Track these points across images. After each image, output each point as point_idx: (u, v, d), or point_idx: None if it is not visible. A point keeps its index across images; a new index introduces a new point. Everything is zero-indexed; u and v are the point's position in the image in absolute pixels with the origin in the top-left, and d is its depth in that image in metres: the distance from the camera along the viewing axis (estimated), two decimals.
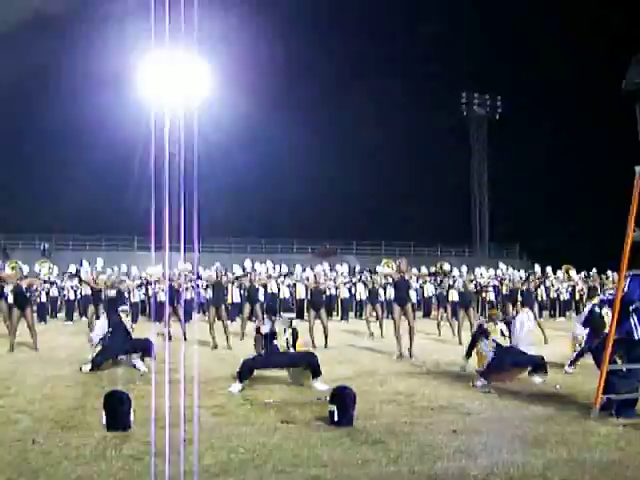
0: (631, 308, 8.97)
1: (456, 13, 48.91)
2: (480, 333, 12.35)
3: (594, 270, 32.42)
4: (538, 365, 12.06)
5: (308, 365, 11.43)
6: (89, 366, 13.14)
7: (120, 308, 14.87)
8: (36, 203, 45.29)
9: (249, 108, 44.69)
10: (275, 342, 11.53)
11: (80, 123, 43.88)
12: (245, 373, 11.09)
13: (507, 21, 48.56)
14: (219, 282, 19.00)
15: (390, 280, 20.77)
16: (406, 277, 16.65)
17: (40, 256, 23.29)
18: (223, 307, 18.53)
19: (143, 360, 13.30)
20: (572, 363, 13.21)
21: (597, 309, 13.47)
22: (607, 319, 13.18)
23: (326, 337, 17.85)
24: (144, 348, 13.34)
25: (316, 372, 11.35)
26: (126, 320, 14.25)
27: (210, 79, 36.24)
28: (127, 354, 13.84)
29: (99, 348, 13.68)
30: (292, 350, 11.75)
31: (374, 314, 22.86)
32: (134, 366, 13.24)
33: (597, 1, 43.11)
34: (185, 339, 18.47)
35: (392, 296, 18.87)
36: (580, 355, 13.20)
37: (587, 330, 13.37)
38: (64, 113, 43.87)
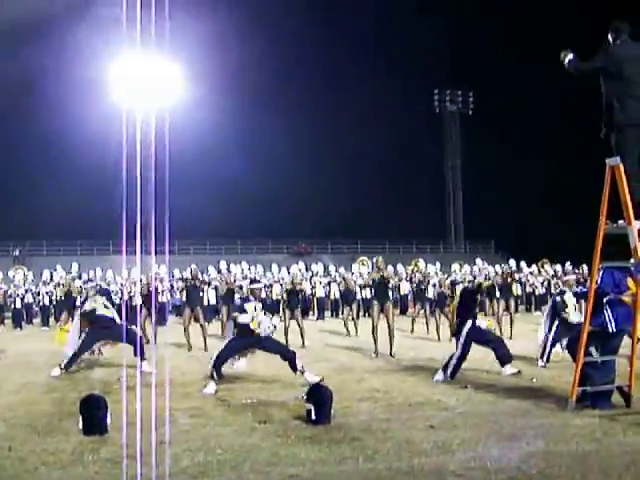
0: (604, 300, 9.04)
1: (428, 9, 48.93)
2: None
3: (568, 264, 32.59)
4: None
5: (284, 357, 11.47)
6: (57, 370, 13.05)
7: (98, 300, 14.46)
8: (9, 209, 44.93)
9: (225, 110, 44.69)
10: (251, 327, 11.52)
11: (53, 128, 43.67)
12: (220, 363, 11.13)
13: (478, 16, 48.80)
14: (194, 284, 18.93)
15: (367, 279, 20.83)
16: (384, 275, 16.64)
17: (12, 262, 23.11)
18: (199, 308, 18.44)
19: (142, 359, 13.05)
20: (542, 356, 13.24)
21: (557, 298, 13.74)
22: (570, 303, 13.44)
23: (302, 336, 17.85)
24: (132, 342, 13.17)
25: (294, 367, 11.35)
26: (103, 310, 13.93)
27: (184, 81, 36.26)
28: (107, 341, 13.77)
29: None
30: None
31: (350, 313, 22.85)
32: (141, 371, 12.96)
33: None
34: (155, 342, 18.46)
35: (369, 295, 18.88)
36: (551, 346, 13.24)
37: (547, 321, 13.59)
38: (37, 120, 43.68)
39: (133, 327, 13.93)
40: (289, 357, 11.45)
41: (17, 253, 18.07)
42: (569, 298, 13.58)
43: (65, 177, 44.72)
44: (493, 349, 12.44)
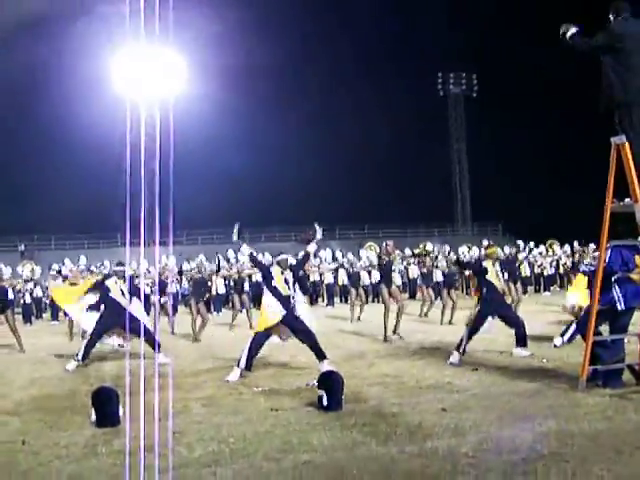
0: (613, 279, 9.02)
1: None
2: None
3: (576, 244, 32.57)
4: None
5: (308, 344, 11.40)
6: (73, 364, 13.05)
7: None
8: (15, 204, 45.01)
9: (230, 99, 44.67)
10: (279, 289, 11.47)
11: (58, 123, 43.65)
12: (255, 350, 11.10)
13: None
14: (201, 277, 19.02)
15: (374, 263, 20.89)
16: (390, 259, 16.69)
17: (20, 257, 23.15)
18: (202, 302, 18.46)
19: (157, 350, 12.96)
20: (570, 339, 12.98)
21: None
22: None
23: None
24: (145, 333, 13.12)
25: (318, 354, 11.30)
26: (119, 295, 13.70)
27: (187, 74, 36.18)
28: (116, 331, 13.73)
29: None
30: (294, 292, 11.65)
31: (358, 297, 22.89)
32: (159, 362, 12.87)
33: None
34: (173, 333, 18.54)
35: (377, 280, 18.88)
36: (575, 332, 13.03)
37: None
38: (42, 114, 43.70)
39: (145, 320, 13.80)
40: (311, 342, 11.37)
41: (23, 248, 18.09)
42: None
43: (70, 171, 44.77)
44: (511, 326, 12.41)
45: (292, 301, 11.50)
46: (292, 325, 11.45)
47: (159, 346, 12.89)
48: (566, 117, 46.92)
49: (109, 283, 13.76)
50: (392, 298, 16.05)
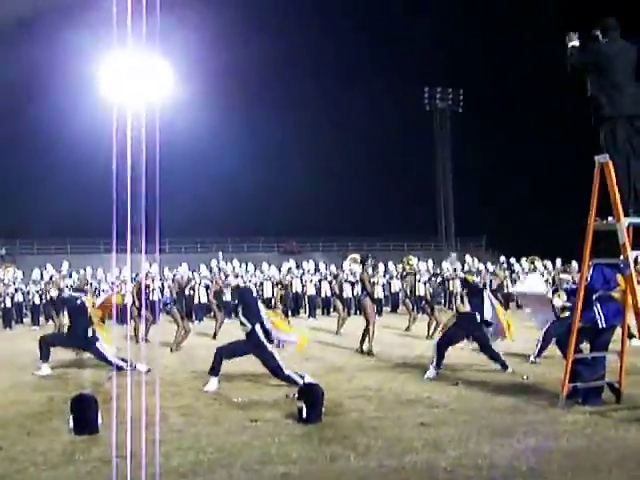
0: (594, 297, 9.07)
1: (416, 8, 48.95)
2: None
3: (558, 262, 32.67)
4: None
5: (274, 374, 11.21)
6: (43, 369, 13.06)
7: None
8: None
9: (213, 107, 44.66)
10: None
11: (44, 127, 43.51)
12: (219, 361, 11.03)
13: (467, 14, 48.86)
14: (182, 290, 19.02)
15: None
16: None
17: (1, 261, 23.04)
18: (183, 313, 18.44)
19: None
20: (539, 354, 13.30)
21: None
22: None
23: None
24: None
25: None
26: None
27: (173, 79, 36.27)
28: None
29: None
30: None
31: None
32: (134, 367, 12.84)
33: None
34: (146, 340, 18.53)
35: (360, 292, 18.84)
36: (545, 343, 13.27)
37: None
38: (27, 118, 43.51)
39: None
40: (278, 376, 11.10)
41: (3, 252, 17.93)
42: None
43: (55, 175, 44.60)
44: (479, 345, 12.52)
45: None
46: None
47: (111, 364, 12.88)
48: (551, 135, 47.21)
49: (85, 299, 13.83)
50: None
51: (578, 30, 8.93)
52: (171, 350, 16.98)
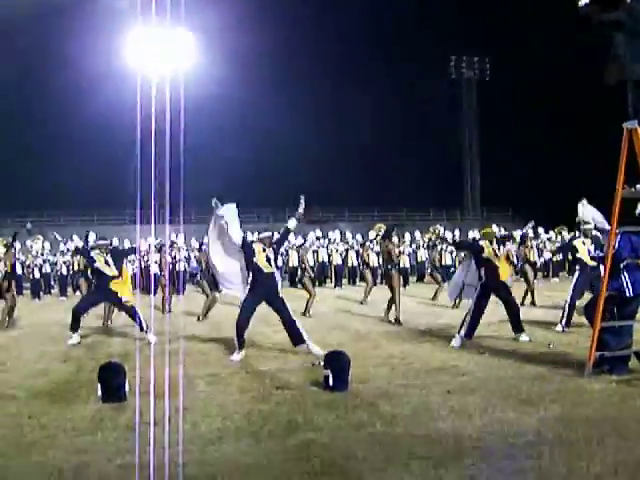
0: (622, 265, 8.99)
1: None
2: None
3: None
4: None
5: (286, 327, 11.35)
6: (74, 339, 13.18)
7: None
8: (25, 181, 45.13)
9: (240, 80, 44.52)
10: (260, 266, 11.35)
11: (68, 99, 43.54)
12: (241, 331, 11.07)
13: None
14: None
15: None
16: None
17: (27, 235, 23.30)
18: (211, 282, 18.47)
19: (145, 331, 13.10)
20: (567, 323, 13.24)
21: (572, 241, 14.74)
22: (581, 248, 13.56)
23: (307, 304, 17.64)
24: (128, 311, 13.37)
25: (294, 338, 11.27)
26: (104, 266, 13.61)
27: (197, 50, 36.24)
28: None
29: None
30: (276, 270, 11.58)
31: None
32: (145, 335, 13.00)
33: None
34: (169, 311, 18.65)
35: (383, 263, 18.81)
36: (571, 311, 13.22)
37: (572, 286, 13.66)
38: (52, 90, 43.57)
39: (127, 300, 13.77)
40: (290, 324, 11.28)
41: (30, 227, 17.99)
42: (580, 243, 13.88)
43: (81, 147, 44.80)
44: (507, 311, 12.39)
45: (276, 278, 11.49)
46: (273, 304, 11.41)
47: (142, 326, 13.04)
48: (578, 102, 46.61)
49: (94, 254, 13.78)
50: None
51: None
52: (198, 319, 17.08)
